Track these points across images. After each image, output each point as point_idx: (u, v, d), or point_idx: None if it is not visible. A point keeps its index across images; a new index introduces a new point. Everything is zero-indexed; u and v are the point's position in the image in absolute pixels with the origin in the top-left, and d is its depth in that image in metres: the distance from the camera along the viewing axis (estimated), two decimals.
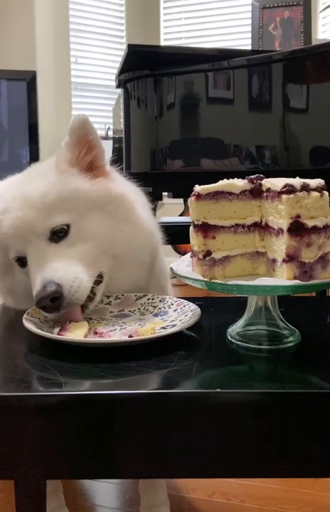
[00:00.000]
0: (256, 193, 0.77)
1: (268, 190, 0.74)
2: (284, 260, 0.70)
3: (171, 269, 0.80)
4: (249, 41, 3.81)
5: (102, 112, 4.06)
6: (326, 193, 0.70)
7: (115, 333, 0.80)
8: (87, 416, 0.63)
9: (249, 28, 3.79)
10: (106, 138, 3.59)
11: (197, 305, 0.84)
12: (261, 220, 0.77)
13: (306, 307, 0.98)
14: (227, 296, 0.81)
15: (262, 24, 3.72)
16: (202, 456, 0.63)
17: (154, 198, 2.05)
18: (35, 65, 3.70)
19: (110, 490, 1.35)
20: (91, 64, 4.14)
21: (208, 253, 0.76)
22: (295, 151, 1.84)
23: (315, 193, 0.69)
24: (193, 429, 0.62)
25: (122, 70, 2.02)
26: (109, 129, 3.56)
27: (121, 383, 0.65)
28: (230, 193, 0.76)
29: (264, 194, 0.76)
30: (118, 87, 2.12)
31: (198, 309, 0.83)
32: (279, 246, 0.72)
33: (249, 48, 3.77)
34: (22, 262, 0.87)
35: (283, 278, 0.71)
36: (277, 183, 0.72)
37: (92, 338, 0.77)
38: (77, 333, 0.77)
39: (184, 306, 0.86)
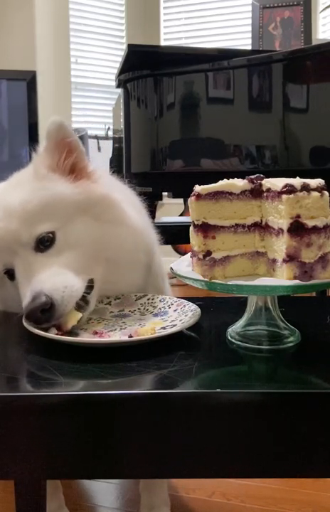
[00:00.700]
0: (256, 193, 0.77)
1: (268, 190, 0.74)
2: (284, 260, 0.70)
3: (171, 269, 0.80)
4: (250, 41, 3.81)
5: (102, 112, 4.06)
6: (326, 193, 0.70)
7: (115, 333, 0.80)
8: (87, 416, 0.63)
9: (250, 28, 3.79)
10: (106, 138, 3.60)
11: (197, 305, 0.84)
12: (261, 220, 0.77)
13: (306, 307, 0.98)
14: (227, 296, 0.81)
15: (262, 24, 3.71)
16: (202, 456, 0.63)
17: (154, 198, 2.06)
18: (35, 65, 3.70)
19: (110, 490, 1.35)
20: (91, 64, 4.14)
21: (208, 253, 0.76)
22: (295, 151, 1.84)
23: (315, 193, 0.69)
24: (193, 429, 0.62)
25: (122, 70, 2.02)
26: (109, 129, 3.57)
27: (121, 383, 0.65)
28: (230, 193, 0.76)
29: (264, 194, 0.75)
30: (118, 87, 2.12)
31: (198, 309, 0.83)
32: (279, 246, 0.72)
33: (249, 48, 3.77)
34: (10, 274, 0.85)
35: (283, 278, 0.71)
36: (277, 183, 0.72)
37: (92, 338, 0.77)
38: (71, 321, 0.76)
39: (184, 306, 0.86)
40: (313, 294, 1.56)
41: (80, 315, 0.79)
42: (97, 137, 3.63)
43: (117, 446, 0.63)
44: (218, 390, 0.62)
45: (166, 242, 1.13)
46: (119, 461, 0.64)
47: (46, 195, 0.85)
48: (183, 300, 0.88)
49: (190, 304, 0.85)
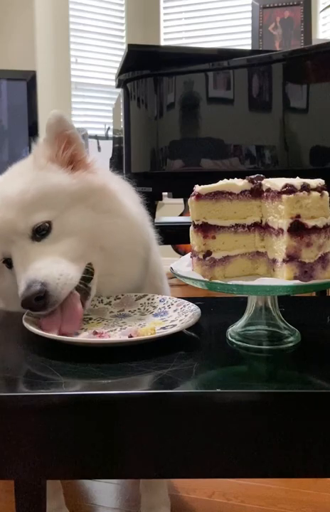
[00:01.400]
0: (256, 193, 0.77)
1: (268, 190, 0.74)
2: (284, 260, 0.70)
3: (171, 269, 0.80)
4: (250, 41, 3.81)
5: (102, 112, 4.06)
6: (326, 193, 0.70)
7: (115, 333, 0.80)
8: (87, 416, 0.63)
9: (250, 28, 3.79)
10: (106, 138, 3.60)
11: (197, 305, 0.84)
12: (261, 220, 0.77)
13: (306, 307, 0.98)
14: (227, 296, 0.81)
15: (262, 24, 3.71)
16: (202, 456, 0.63)
17: (154, 198, 2.06)
18: (35, 65, 3.70)
19: (110, 490, 1.35)
20: (91, 64, 4.14)
21: (208, 253, 0.76)
22: (295, 151, 1.84)
23: (315, 193, 0.69)
24: (193, 429, 0.62)
25: (122, 70, 2.02)
26: (109, 129, 3.57)
27: (121, 383, 0.65)
28: (230, 193, 0.76)
29: (264, 194, 0.75)
30: (118, 87, 2.12)
31: (198, 309, 0.83)
32: (279, 246, 0.72)
33: (249, 47, 3.77)
34: (9, 263, 0.86)
35: (283, 278, 0.71)
36: (277, 183, 0.72)
37: (92, 338, 0.77)
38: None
39: (184, 306, 0.86)
40: (314, 294, 1.57)
41: None
42: (97, 137, 3.64)
43: (117, 446, 0.63)
44: (218, 390, 0.62)
45: (166, 242, 1.13)
46: (119, 461, 0.64)
47: (44, 185, 0.86)
48: (183, 300, 0.88)
49: (190, 304, 0.85)
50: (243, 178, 0.78)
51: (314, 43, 3.35)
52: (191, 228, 0.77)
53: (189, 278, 0.75)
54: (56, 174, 0.88)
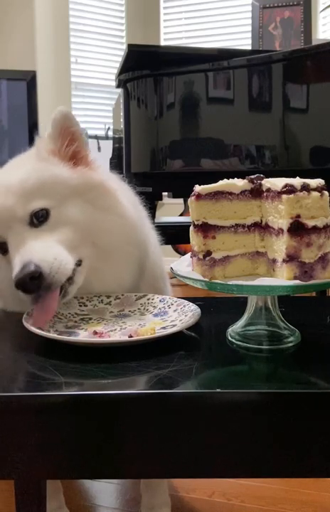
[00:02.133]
0: (256, 193, 0.77)
1: (268, 190, 0.74)
2: (284, 260, 0.70)
3: (171, 269, 0.80)
4: (250, 41, 3.80)
5: (102, 112, 4.06)
6: (326, 193, 0.70)
7: (115, 333, 0.80)
8: (87, 416, 0.63)
9: (250, 28, 3.79)
10: (106, 138, 3.60)
11: (197, 305, 0.84)
12: (261, 220, 0.77)
13: (306, 307, 0.98)
14: (227, 296, 0.81)
15: (262, 24, 3.71)
16: (202, 456, 0.63)
17: (154, 198, 2.06)
18: (35, 65, 3.70)
19: (110, 490, 1.35)
20: (91, 64, 4.14)
21: (208, 253, 0.76)
22: (295, 151, 1.84)
23: (315, 193, 0.69)
24: (193, 429, 0.62)
25: (122, 70, 2.02)
26: (109, 129, 3.57)
27: (121, 383, 0.65)
28: (230, 193, 0.76)
29: (264, 194, 0.75)
30: (118, 87, 2.12)
31: (198, 309, 0.83)
32: (279, 246, 0.72)
33: (249, 47, 3.77)
34: (2, 248, 0.87)
35: (283, 278, 0.71)
36: (277, 183, 0.72)
37: (92, 338, 0.77)
38: None
39: (184, 306, 0.86)
40: (314, 294, 1.57)
41: None
42: (97, 137, 3.63)
43: (117, 446, 0.63)
44: (218, 390, 0.62)
45: (166, 242, 1.13)
46: (119, 461, 0.64)
47: (45, 175, 0.88)
48: (183, 300, 0.88)
49: (190, 304, 0.85)
50: (243, 178, 0.78)
51: (314, 43, 3.34)
52: (191, 228, 0.77)
53: (189, 278, 0.75)
54: (57, 167, 0.90)
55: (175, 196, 2.24)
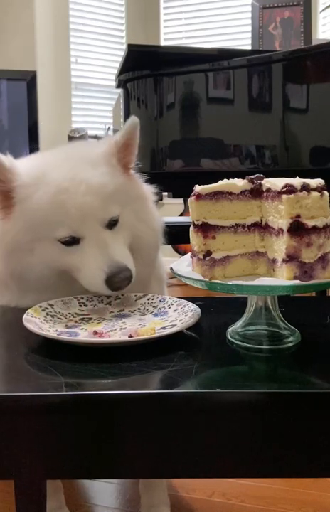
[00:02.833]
0: (256, 193, 0.77)
1: (268, 190, 0.74)
2: (284, 260, 0.70)
3: (171, 269, 0.80)
4: (250, 41, 3.81)
5: (102, 112, 4.06)
6: (326, 193, 0.70)
7: (115, 333, 0.80)
8: (87, 416, 0.63)
9: (250, 28, 3.80)
10: None
11: (197, 305, 0.84)
12: (261, 220, 0.77)
13: (306, 307, 0.98)
14: (227, 296, 0.81)
15: (262, 24, 3.72)
16: (202, 456, 0.63)
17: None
18: (35, 65, 3.69)
19: (110, 490, 1.35)
20: (91, 64, 4.14)
21: (208, 253, 0.76)
22: (295, 151, 1.84)
23: (315, 193, 0.69)
24: (193, 429, 0.62)
25: (122, 70, 2.02)
26: (109, 129, 3.56)
27: (121, 383, 0.65)
28: (230, 193, 0.76)
29: (264, 194, 0.75)
30: (118, 87, 2.12)
31: (198, 309, 0.83)
32: (279, 246, 0.72)
33: (249, 47, 3.77)
34: (69, 242, 0.91)
35: (283, 278, 0.71)
36: (277, 183, 0.72)
37: (92, 338, 0.77)
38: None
39: (184, 306, 0.86)
40: (314, 294, 1.57)
41: None
42: (97, 137, 3.63)
43: (117, 446, 0.63)
44: (218, 390, 0.62)
45: (166, 242, 1.13)
46: (119, 461, 0.64)
47: (117, 182, 0.96)
48: (183, 300, 0.88)
49: (190, 304, 0.85)
50: (243, 178, 0.78)
51: (314, 43, 3.35)
52: (191, 228, 0.77)
53: (189, 278, 0.75)
54: (121, 175, 0.98)
55: (175, 196, 2.24)
